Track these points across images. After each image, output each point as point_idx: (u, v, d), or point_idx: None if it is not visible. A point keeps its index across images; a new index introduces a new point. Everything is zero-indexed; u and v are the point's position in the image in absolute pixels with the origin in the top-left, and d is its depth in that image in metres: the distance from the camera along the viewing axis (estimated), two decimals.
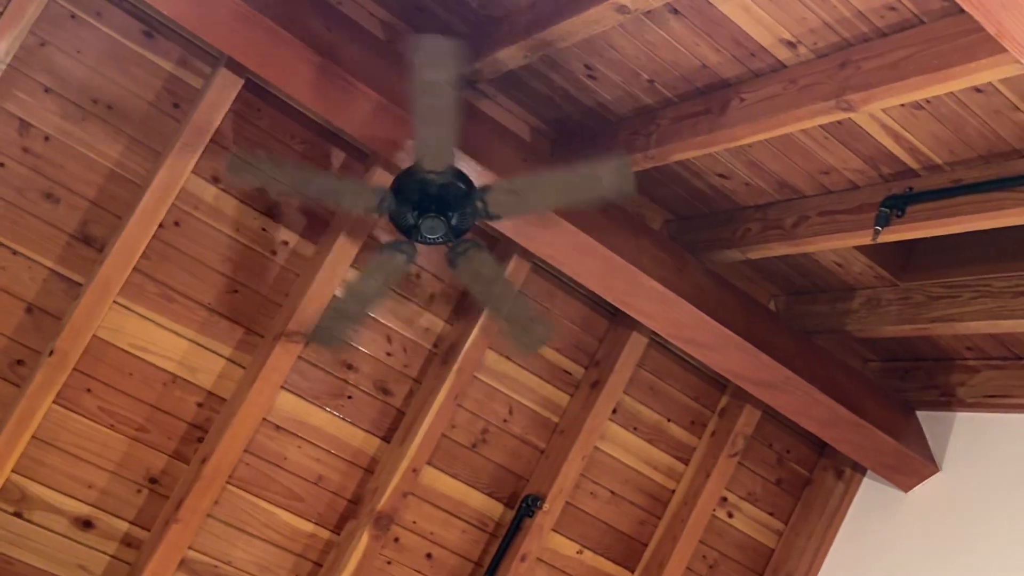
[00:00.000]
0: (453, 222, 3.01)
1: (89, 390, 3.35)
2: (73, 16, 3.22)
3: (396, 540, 3.80)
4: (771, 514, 4.40)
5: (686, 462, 4.24)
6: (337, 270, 3.50)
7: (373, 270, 3.17)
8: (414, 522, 3.82)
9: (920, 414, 4.20)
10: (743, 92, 3.01)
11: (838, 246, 3.41)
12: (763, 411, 4.22)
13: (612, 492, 4.13)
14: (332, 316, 3.32)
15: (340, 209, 3.46)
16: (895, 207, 3.10)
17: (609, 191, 2.90)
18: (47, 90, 3.21)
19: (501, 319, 3.33)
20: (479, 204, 3.02)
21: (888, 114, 2.89)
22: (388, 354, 3.74)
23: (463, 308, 3.82)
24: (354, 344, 3.68)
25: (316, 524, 3.69)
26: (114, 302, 3.33)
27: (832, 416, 3.92)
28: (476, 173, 3.19)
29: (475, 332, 3.71)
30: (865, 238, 3.22)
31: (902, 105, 2.79)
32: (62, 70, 3.22)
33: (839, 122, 2.98)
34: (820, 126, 3.03)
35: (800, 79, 2.83)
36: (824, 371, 3.97)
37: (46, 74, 3.20)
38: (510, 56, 3.15)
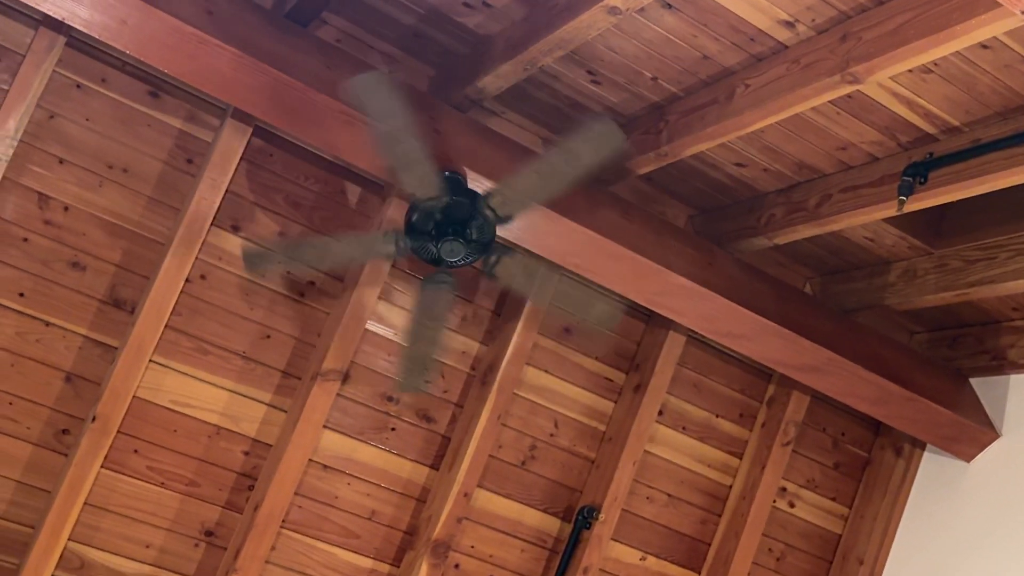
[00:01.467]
0: (473, 237, 3.00)
1: (136, 451, 3.38)
2: (78, 85, 3.26)
3: (456, 567, 3.78)
4: (833, 499, 4.33)
5: (740, 456, 4.19)
6: (366, 303, 3.50)
7: (426, 309, 3.16)
8: (472, 546, 3.81)
9: (973, 381, 4.11)
10: (747, 78, 2.98)
11: (865, 220, 3.36)
12: (812, 396, 4.15)
13: (668, 495, 4.08)
14: (409, 366, 3.31)
15: (362, 263, 3.48)
16: (917, 175, 3.05)
17: (603, 153, 2.83)
18: (61, 161, 3.26)
19: (566, 309, 3.27)
20: (488, 211, 3.01)
21: (897, 82, 2.84)
22: (426, 381, 3.73)
23: (496, 327, 3.81)
24: (391, 375, 3.68)
25: (375, 559, 3.69)
26: (151, 361, 3.36)
27: (882, 393, 3.85)
28: (483, 185, 3.17)
29: (511, 350, 3.70)
30: (891, 209, 3.17)
31: (909, 71, 2.75)
32: (74, 140, 3.27)
33: (849, 96, 2.94)
34: (830, 102, 2.99)
35: (803, 58, 2.80)
36: (868, 349, 3.90)
37: (59, 145, 3.25)
38: (511, 71, 3.14)
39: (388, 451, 3.70)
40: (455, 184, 3.10)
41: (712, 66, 3.05)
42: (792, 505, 4.25)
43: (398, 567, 3.71)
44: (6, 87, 3.13)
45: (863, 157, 3.27)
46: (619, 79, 3.26)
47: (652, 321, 4.00)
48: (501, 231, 3.16)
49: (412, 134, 2.77)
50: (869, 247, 3.80)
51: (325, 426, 3.58)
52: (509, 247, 3.13)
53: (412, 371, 3.31)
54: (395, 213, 3.46)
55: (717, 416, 4.15)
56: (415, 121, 2.78)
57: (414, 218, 3.03)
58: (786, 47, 2.86)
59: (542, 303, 3.34)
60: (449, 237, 3.00)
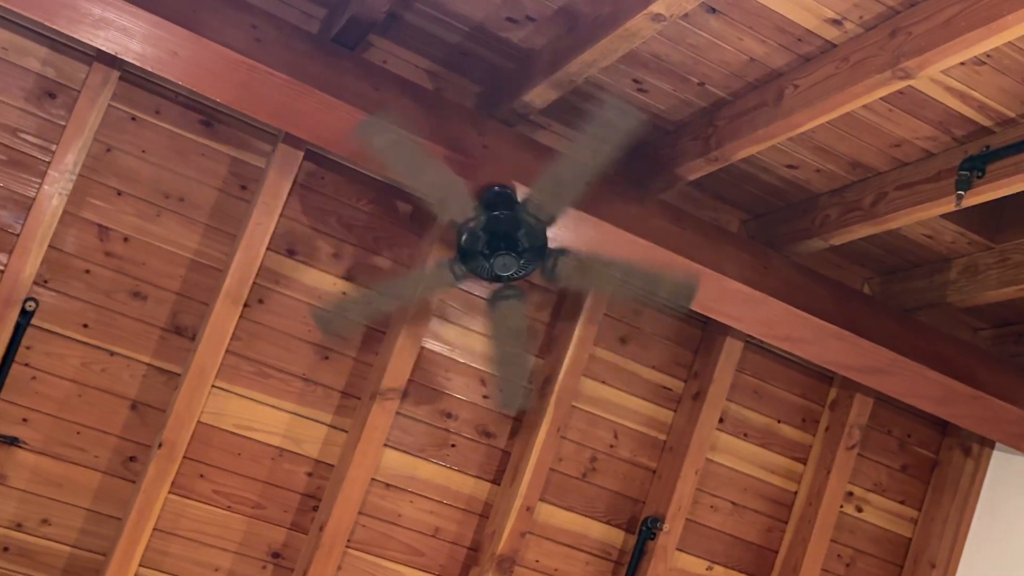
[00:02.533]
0: (524, 246, 3.00)
1: (202, 475, 3.43)
2: (133, 118, 3.33)
3: None
4: (902, 502, 4.25)
5: (804, 461, 4.13)
6: (421, 321, 3.52)
7: (501, 327, 3.17)
8: (537, 561, 3.80)
9: None
10: (796, 79, 2.95)
11: (922, 217, 3.30)
12: (875, 398, 4.09)
13: (733, 503, 4.04)
14: (509, 382, 3.33)
15: (426, 297, 3.51)
16: (974, 168, 3.00)
17: (622, 132, 2.80)
18: (120, 193, 3.32)
19: (638, 293, 3.25)
20: (529, 218, 3.01)
21: (949, 75, 2.80)
22: (485, 397, 3.74)
23: (552, 340, 3.80)
24: (450, 392, 3.70)
25: None
26: (213, 386, 3.40)
27: (948, 393, 3.78)
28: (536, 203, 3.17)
29: (567, 362, 3.70)
30: (948, 205, 3.12)
31: (961, 64, 2.70)
32: (131, 171, 3.33)
33: (901, 92, 2.90)
34: (882, 99, 2.96)
35: (852, 56, 2.77)
36: (932, 347, 3.83)
37: (116, 178, 3.32)
38: (557, 83, 3.15)
39: (449, 468, 3.71)
40: (503, 198, 3.11)
41: (759, 68, 3.03)
42: (860, 510, 4.18)
43: None
44: (63, 123, 3.20)
45: (918, 153, 3.23)
46: (665, 86, 3.25)
47: (709, 328, 3.97)
48: (555, 244, 3.15)
49: (428, 164, 2.79)
50: (928, 244, 3.74)
51: (386, 445, 3.60)
52: (564, 249, 3.12)
53: (510, 390, 3.32)
54: (447, 230, 3.47)
55: (779, 422, 4.11)
56: (426, 151, 2.80)
57: (463, 241, 3.03)
58: (834, 45, 2.83)
59: (608, 292, 3.33)
60: (500, 252, 3.00)
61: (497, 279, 3.07)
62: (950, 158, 3.13)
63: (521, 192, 3.09)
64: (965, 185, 3.01)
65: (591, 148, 2.82)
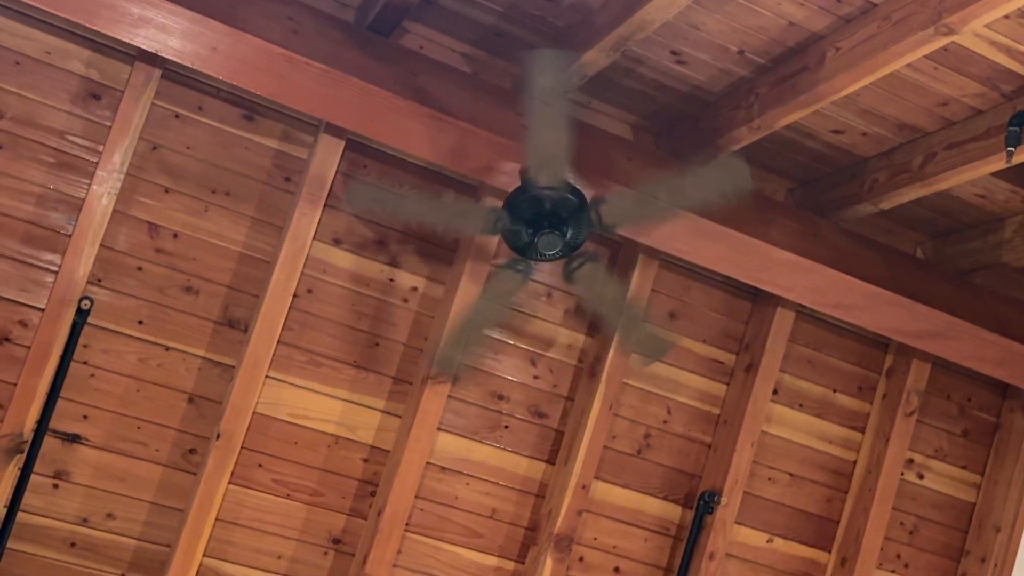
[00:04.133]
0: (568, 236, 3.00)
1: (260, 465, 3.47)
2: (177, 116, 3.37)
3: (581, 559, 3.78)
4: (964, 468, 4.19)
5: (862, 430, 4.08)
6: (468, 305, 3.52)
7: (497, 290, 3.19)
8: (595, 539, 3.80)
9: None
10: (837, 41, 2.91)
11: (973, 177, 3.25)
12: (932, 363, 4.03)
13: (790, 474, 4.01)
14: (451, 343, 3.34)
15: (455, 231, 3.49)
16: None
17: (726, 192, 2.84)
18: (167, 190, 3.37)
19: (620, 332, 3.30)
20: (594, 217, 3.01)
21: (994, 29, 2.74)
22: (536, 377, 3.74)
23: (597, 318, 3.79)
24: (500, 373, 3.71)
25: (499, 557, 3.71)
26: (267, 377, 3.44)
27: (1007, 354, 3.72)
28: (584, 181, 3.16)
29: (616, 339, 3.68)
30: (999, 162, 3.06)
31: (1006, 17, 2.64)
32: (177, 168, 3.37)
33: (945, 49, 2.85)
34: (926, 57, 2.90)
35: (893, 14, 2.72)
36: (989, 309, 3.78)
37: (163, 175, 3.36)
38: (594, 59, 3.13)
39: (503, 449, 3.72)
40: (571, 183, 3.10)
41: (799, 32, 2.98)
42: (921, 476, 4.13)
43: (523, 563, 3.72)
44: (109, 123, 3.25)
45: (965, 111, 3.16)
46: (704, 56, 3.22)
47: (759, 299, 3.93)
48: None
49: (566, 121, 2.77)
50: (980, 204, 3.67)
51: (439, 428, 3.62)
52: (596, 257, 3.12)
53: (454, 350, 3.31)
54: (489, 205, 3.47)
55: (835, 391, 4.06)
56: (570, 111, 2.78)
57: (519, 201, 3.02)
58: (875, 5, 2.78)
59: (605, 318, 3.34)
60: (547, 230, 3.00)
61: (522, 251, 3.07)
62: (999, 114, 3.08)
63: (570, 173, 3.06)
64: (1015, 141, 2.95)
65: (692, 188, 2.84)
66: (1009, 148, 2.94)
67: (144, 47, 2.99)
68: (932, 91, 3.10)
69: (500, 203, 3.16)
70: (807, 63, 3.02)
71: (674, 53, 3.23)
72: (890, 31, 2.72)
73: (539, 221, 3.01)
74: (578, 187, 3.04)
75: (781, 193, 3.86)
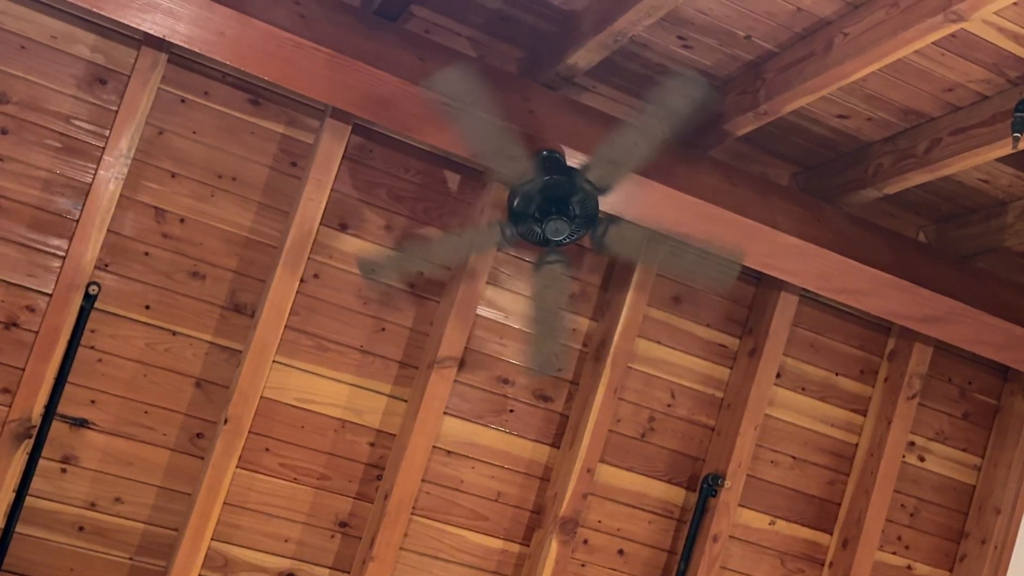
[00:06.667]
0: (576, 212, 3.01)
1: (267, 449, 3.49)
2: (183, 100, 3.36)
3: (585, 542, 3.81)
4: (964, 450, 4.22)
5: (863, 413, 4.11)
6: (475, 289, 3.54)
7: (543, 292, 3.18)
8: (599, 521, 3.83)
9: None
10: (845, 27, 2.91)
11: (978, 162, 3.26)
12: (934, 346, 4.05)
13: (793, 457, 4.04)
14: (536, 351, 3.35)
15: (472, 256, 3.51)
16: None
17: (688, 105, 2.79)
18: (174, 175, 3.37)
19: (681, 267, 3.26)
20: (586, 185, 3.01)
21: (1002, 16, 2.74)
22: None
23: (605, 302, 3.81)
24: (505, 358, 3.72)
25: (505, 539, 3.74)
26: (274, 361, 3.45)
27: (1008, 338, 3.74)
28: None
29: (621, 324, 3.70)
30: (1004, 148, 3.07)
31: (1015, 3, 2.64)
32: (183, 153, 3.37)
33: (952, 35, 2.85)
34: (933, 44, 2.90)
35: (902, 1, 2.72)
36: (991, 293, 3.79)
37: (170, 160, 3.36)
38: (600, 44, 3.13)
39: (509, 433, 3.74)
40: (554, 163, 3.11)
41: (807, 18, 2.99)
42: (922, 459, 4.16)
43: (528, 546, 3.75)
44: (115, 108, 3.24)
45: (971, 97, 3.17)
46: (711, 41, 3.22)
47: (762, 283, 3.95)
48: (605, 205, 3.15)
49: (497, 120, 2.78)
50: (984, 189, 3.68)
51: (445, 413, 3.63)
52: (614, 217, 3.13)
53: (540, 355, 3.34)
54: (496, 197, 3.48)
55: (837, 374, 4.09)
56: (498, 107, 2.79)
57: (515, 203, 3.04)
58: None
59: (653, 266, 3.33)
60: (552, 216, 3.01)
61: (545, 243, 3.08)
62: (1005, 100, 3.08)
63: (574, 158, 3.08)
64: (1021, 127, 2.95)
65: (655, 118, 2.81)
66: (1015, 134, 2.95)
67: (152, 32, 2.98)
68: (938, 77, 3.11)
69: (501, 214, 3.18)
70: (814, 49, 3.03)
71: (681, 38, 3.23)
72: (899, 17, 2.72)
73: (542, 212, 3.01)
74: (559, 162, 3.05)
75: (785, 178, 3.87)
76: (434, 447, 3.63)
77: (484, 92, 2.75)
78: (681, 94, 2.75)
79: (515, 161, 2.94)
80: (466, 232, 3.49)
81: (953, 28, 2.63)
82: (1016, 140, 2.97)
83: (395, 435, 3.60)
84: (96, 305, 3.26)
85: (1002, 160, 3.44)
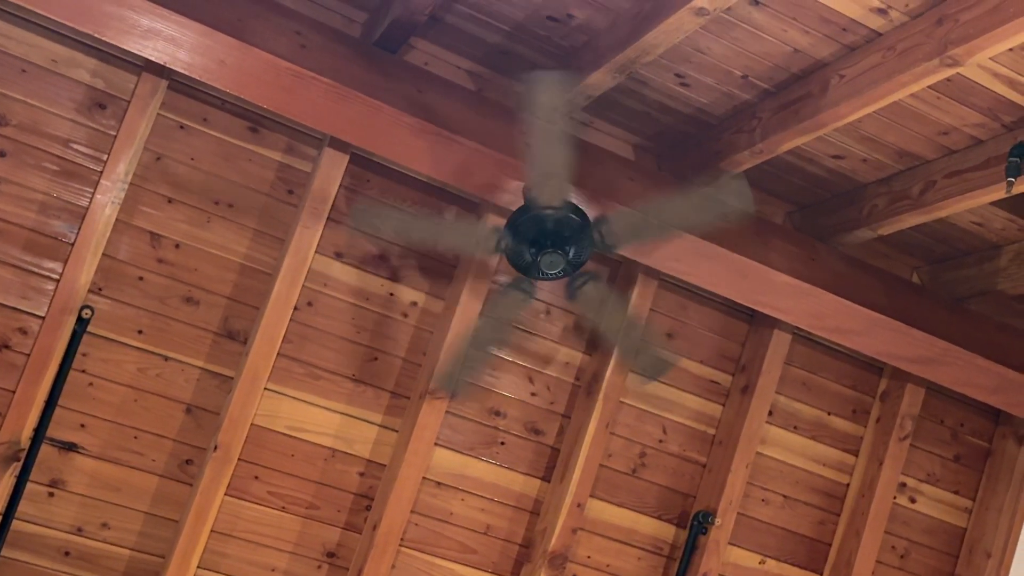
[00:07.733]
0: (571, 256, 3.02)
1: (256, 477, 3.47)
2: (182, 126, 3.38)
3: None
4: (956, 492, 4.21)
5: (855, 453, 4.10)
6: (468, 321, 3.53)
7: (502, 312, 3.20)
8: (588, 557, 3.81)
9: None
10: (841, 69, 2.94)
11: (972, 205, 3.27)
12: (927, 388, 4.05)
13: (784, 496, 4.03)
14: (452, 360, 3.35)
15: (459, 252, 3.51)
16: None
17: (727, 213, 2.86)
18: (170, 200, 3.37)
19: (624, 351, 3.31)
20: (596, 236, 3.02)
21: (998, 62, 2.77)
22: (533, 394, 3.76)
23: (598, 337, 3.81)
24: (498, 390, 3.72)
25: (493, 573, 3.71)
26: (265, 389, 3.44)
27: (1000, 381, 3.74)
28: (586, 200, 3.18)
29: (614, 358, 3.69)
30: (998, 192, 3.08)
31: (1010, 50, 2.67)
32: (180, 179, 3.38)
33: (948, 80, 2.88)
34: (929, 87, 2.93)
35: (898, 44, 2.75)
36: (983, 336, 3.80)
37: (167, 185, 3.37)
38: (600, 80, 3.16)
39: (499, 465, 3.73)
40: (574, 202, 3.11)
41: (804, 59, 3.01)
42: (913, 500, 4.15)
43: None
44: (114, 133, 3.26)
45: (966, 140, 3.19)
46: (708, 80, 3.24)
47: (756, 321, 3.95)
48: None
49: (567, 141, 2.79)
50: (978, 232, 3.70)
51: (436, 443, 3.62)
52: (598, 276, 3.15)
53: (457, 363, 3.32)
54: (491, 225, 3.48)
55: (829, 414, 4.08)
56: (571, 130, 2.79)
57: (522, 221, 3.04)
58: (880, 34, 2.81)
59: (609, 337, 3.37)
60: (551, 249, 3.01)
61: (525, 270, 3.08)
62: (999, 145, 3.10)
63: (571, 192, 3.07)
64: (1015, 171, 2.97)
65: (693, 208, 2.85)
66: (1009, 178, 2.97)
67: (153, 59, 3.00)
68: (933, 120, 3.13)
69: (503, 222, 3.18)
70: (810, 90, 3.05)
71: (678, 76, 3.25)
72: (895, 61, 2.74)
73: (542, 240, 3.02)
74: (580, 207, 3.06)
75: (780, 216, 3.89)
76: (424, 478, 3.61)
77: (569, 109, 2.75)
78: (728, 199, 2.80)
79: (557, 186, 2.93)
80: (463, 222, 3.48)
81: (949, 73, 2.65)
82: (1010, 184, 2.99)
83: (385, 465, 3.59)
84: (89, 329, 3.26)
85: (996, 204, 3.46)
